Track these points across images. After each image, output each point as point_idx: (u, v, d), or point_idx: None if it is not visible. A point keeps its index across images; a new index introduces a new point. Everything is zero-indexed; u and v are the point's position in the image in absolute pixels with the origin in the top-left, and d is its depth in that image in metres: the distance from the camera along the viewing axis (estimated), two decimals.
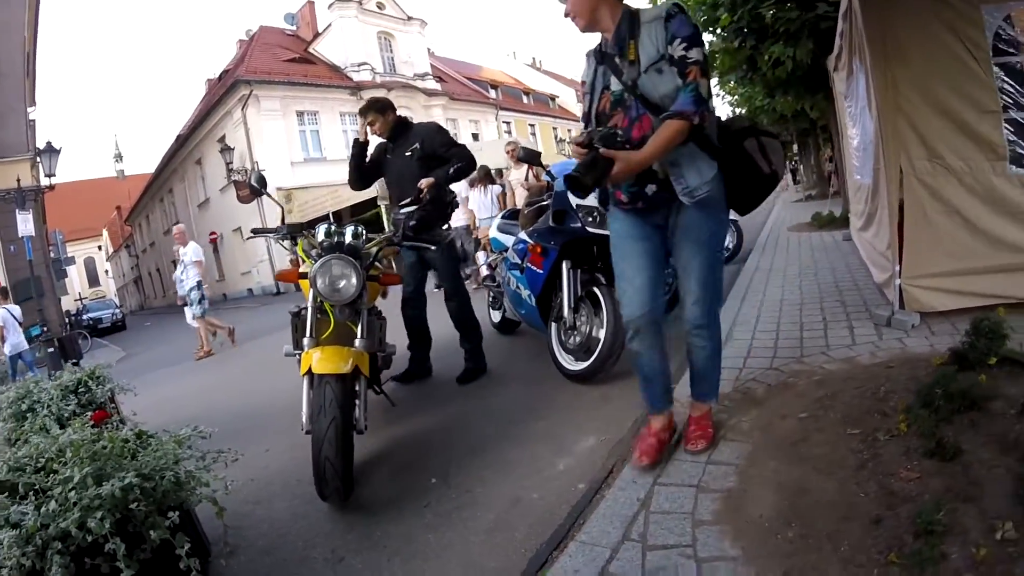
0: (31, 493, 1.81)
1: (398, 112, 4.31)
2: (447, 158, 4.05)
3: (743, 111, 14.64)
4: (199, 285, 9.15)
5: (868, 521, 1.69)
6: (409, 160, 4.05)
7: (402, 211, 3.61)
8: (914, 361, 2.80)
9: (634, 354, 2.40)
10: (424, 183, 3.81)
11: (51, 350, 11.83)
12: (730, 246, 7.70)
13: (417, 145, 4.05)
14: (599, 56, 2.26)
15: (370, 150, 4.29)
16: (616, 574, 1.73)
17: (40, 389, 3.11)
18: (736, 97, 13.01)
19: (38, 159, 15.38)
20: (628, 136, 2.11)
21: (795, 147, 21.51)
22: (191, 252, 9.25)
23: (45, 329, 13.30)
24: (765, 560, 1.65)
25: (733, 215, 8.13)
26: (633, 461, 2.30)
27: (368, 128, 4.13)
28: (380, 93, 26.16)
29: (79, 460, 1.87)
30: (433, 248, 3.85)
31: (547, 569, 1.84)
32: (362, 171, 4.26)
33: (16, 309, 11.11)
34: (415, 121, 4.44)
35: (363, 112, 4.13)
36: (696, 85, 2.00)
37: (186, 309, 9.43)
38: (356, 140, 4.21)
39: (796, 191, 23.45)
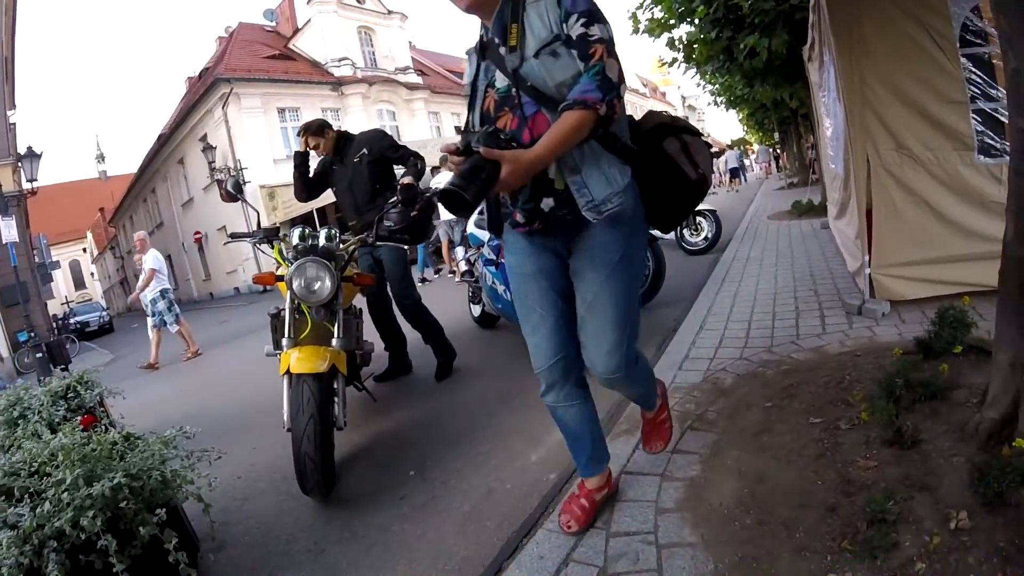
0: (26, 496, 1.90)
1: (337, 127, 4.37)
2: (397, 159, 4.14)
3: (723, 100, 14.79)
4: (163, 293, 8.83)
5: (824, 509, 1.75)
6: (359, 166, 4.08)
7: (392, 211, 3.49)
8: (881, 350, 2.87)
9: (551, 410, 2.03)
10: (404, 182, 3.74)
11: (39, 355, 11.78)
12: (709, 236, 7.79)
13: (364, 151, 4.08)
14: (480, 49, 1.81)
15: (312, 163, 4.31)
16: (579, 560, 1.79)
17: (30, 396, 3.15)
18: (716, 87, 13.09)
19: (19, 164, 15.20)
20: (518, 139, 1.65)
21: (776, 135, 21.66)
22: (150, 260, 8.93)
23: (32, 335, 13.25)
24: (722, 546, 1.71)
25: (711, 204, 8.23)
26: (561, 523, 1.97)
27: (315, 150, 4.16)
28: (361, 88, 26.18)
29: (70, 463, 1.95)
30: (406, 247, 3.89)
31: (516, 556, 1.91)
32: (307, 183, 4.25)
33: None
34: (358, 131, 4.45)
35: (300, 134, 4.17)
36: (602, 66, 1.57)
37: (148, 319, 9.05)
38: (296, 152, 4.20)
39: (778, 179, 23.61)
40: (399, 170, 4.17)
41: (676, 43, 9.00)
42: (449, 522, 2.31)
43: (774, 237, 7.88)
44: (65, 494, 1.82)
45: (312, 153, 4.20)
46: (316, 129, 4.12)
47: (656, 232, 4.66)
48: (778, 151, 29.33)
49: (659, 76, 67.91)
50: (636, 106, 62.12)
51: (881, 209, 3.54)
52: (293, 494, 2.73)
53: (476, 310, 5.66)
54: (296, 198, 4.33)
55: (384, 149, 4.12)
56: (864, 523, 1.63)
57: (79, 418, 2.81)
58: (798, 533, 1.69)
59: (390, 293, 4.27)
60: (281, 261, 3.31)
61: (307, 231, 3.23)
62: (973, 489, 1.64)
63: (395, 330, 4.48)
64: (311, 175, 4.26)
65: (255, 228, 3.57)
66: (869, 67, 3.45)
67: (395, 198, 3.58)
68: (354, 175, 4.10)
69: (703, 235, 7.88)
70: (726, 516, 1.84)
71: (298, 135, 4.18)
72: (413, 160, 4.07)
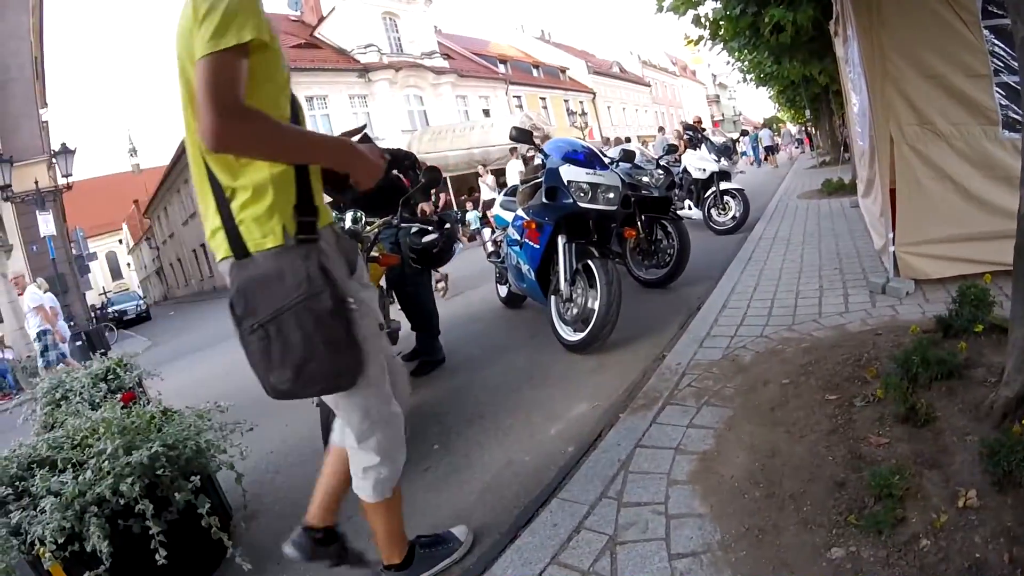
0: (69, 466, 2.04)
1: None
2: (400, 165, 4.18)
3: (753, 78, 14.53)
4: (40, 335, 8.30)
5: (832, 483, 1.78)
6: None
7: (421, 240, 3.83)
8: (902, 328, 2.85)
9: None
10: (427, 209, 4.02)
11: (79, 343, 12.22)
12: (737, 215, 7.73)
13: None
14: None
15: None
16: (591, 528, 1.86)
17: (72, 378, 3.32)
18: (745, 64, 12.86)
19: (54, 160, 15.68)
20: None
21: (808, 112, 21.20)
22: (28, 300, 8.51)
23: (72, 324, 13.72)
24: (729, 518, 1.76)
25: (739, 184, 8.19)
26: None
27: None
28: (388, 74, 26.24)
29: (111, 434, 2.09)
30: (430, 229, 3.97)
31: (530, 524, 1.98)
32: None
33: None
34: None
35: None
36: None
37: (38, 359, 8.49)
38: None
39: (811, 157, 23.15)
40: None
41: (702, 20, 8.87)
42: (469, 492, 2.40)
43: (803, 216, 7.78)
44: (106, 463, 1.96)
45: None
46: None
47: (683, 212, 4.64)
48: (809, 129, 28.81)
49: (689, 54, 66.78)
50: (666, 85, 61.27)
51: (905, 186, 3.49)
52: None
53: (503, 290, 5.74)
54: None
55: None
56: (871, 498, 1.66)
57: (120, 395, 2.97)
58: (805, 506, 1.73)
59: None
60: None
61: (334, 214, 3.33)
62: (983, 467, 1.65)
63: (418, 309, 4.42)
64: None
65: None
66: (890, 40, 3.39)
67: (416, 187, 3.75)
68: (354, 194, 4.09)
69: (731, 214, 7.82)
70: (736, 488, 1.89)
71: None
72: (413, 172, 4.04)
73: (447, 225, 4.13)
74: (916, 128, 3.42)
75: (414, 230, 3.95)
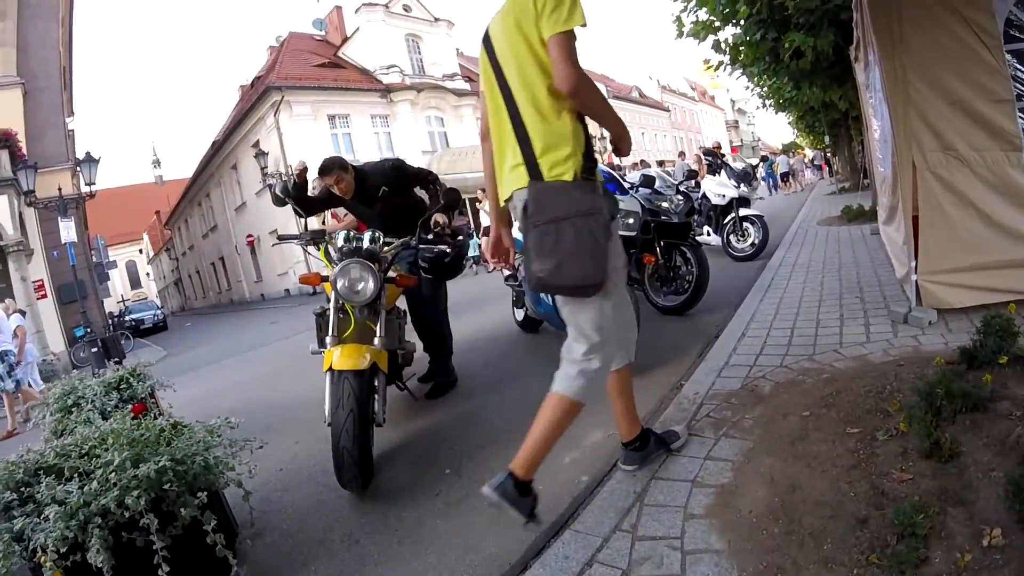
0: (76, 475, 2.03)
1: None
2: (417, 184, 4.19)
3: (772, 103, 14.53)
4: (3, 355, 8.10)
5: (854, 520, 1.72)
6: (386, 203, 4.02)
7: (433, 248, 3.87)
8: (925, 359, 2.78)
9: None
10: (440, 220, 3.86)
11: (95, 350, 12.34)
12: (756, 241, 7.68)
13: (384, 188, 4.00)
14: None
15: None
16: (604, 562, 1.81)
17: (85, 385, 3.34)
18: (764, 89, 12.88)
19: (78, 168, 16.03)
20: None
21: (827, 138, 21.15)
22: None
23: (89, 330, 13.92)
24: (748, 554, 1.71)
25: (758, 210, 8.15)
26: None
27: (337, 186, 3.94)
28: (410, 95, 26.57)
29: (119, 446, 2.09)
30: (449, 250, 3.96)
31: (542, 555, 1.94)
32: (307, 203, 4.08)
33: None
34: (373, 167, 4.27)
35: (322, 174, 3.95)
36: None
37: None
38: (294, 181, 3.95)
39: (830, 183, 23.04)
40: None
41: (722, 45, 8.91)
42: (481, 519, 2.35)
43: (822, 243, 7.71)
44: (112, 474, 1.94)
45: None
46: (341, 164, 3.97)
47: (702, 238, 4.62)
48: (828, 155, 28.85)
49: (708, 79, 67.09)
50: (685, 111, 61.48)
51: (927, 213, 3.43)
52: (331, 487, 2.84)
53: (519, 314, 5.70)
54: (295, 212, 4.15)
55: (402, 182, 4.12)
56: (894, 536, 1.60)
57: (131, 406, 2.97)
58: (826, 544, 1.67)
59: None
60: (327, 262, 3.43)
61: (352, 234, 3.33)
62: (1008, 505, 1.59)
63: (432, 330, 4.38)
64: (316, 195, 4.18)
65: (302, 231, 3.70)
66: (912, 65, 3.36)
67: (435, 209, 3.78)
68: (382, 210, 4.06)
69: (750, 241, 7.77)
70: (754, 524, 1.84)
71: (320, 174, 3.97)
72: (434, 188, 4.10)
73: (459, 237, 4.21)
74: (939, 154, 3.38)
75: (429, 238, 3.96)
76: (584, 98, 1.92)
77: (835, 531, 1.71)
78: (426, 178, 4.21)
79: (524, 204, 1.98)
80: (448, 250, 4.00)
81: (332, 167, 3.92)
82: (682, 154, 20.53)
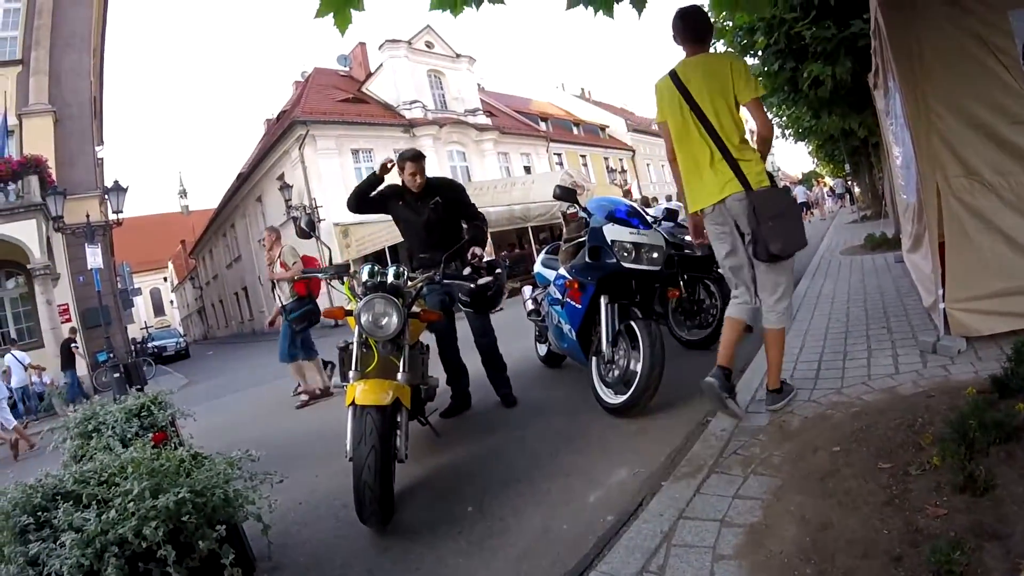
0: (94, 503, 2.02)
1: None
2: (465, 215, 4.44)
3: (791, 133, 14.52)
4: None
5: (888, 559, 1.68)
6: (433, 212, 4.25)
7: (480, 281, 4.00)
8: (956, 390, 2.73)
9: None
10: (479, 252, 4.09)
11: (117, 375, 12.52)
12: None
13: (438, 199, 4.26)
14: None
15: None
16: None
17: (106, 411, 3.35)
18: (783, 119, 12.89)
19: (106, 196, 16.42)
20: None
21: (847, 167, 21.04)
22: None
23: (112, 355, 14.14)
24: None
25: None
26: None
27: (411, 178, 4.26)
28: (432, 130, 26.93)
29: (139, 475, 2.07)
30: (471, 286, 3.98)
31: None
32: (367, 199, 4.39)
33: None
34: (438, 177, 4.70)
35: (412, 159, 4.26)
36: None
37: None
38: (374, 173, 4.36)
39: (852, 211, 22.85)
40: None
41: None
42: (503, 559, 2.31)
43: (847, 272, 7.62)
44: (131, 504, 1.93)
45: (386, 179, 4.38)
46: (423, 158, 4.31)
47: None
48: (848, 183, 28.77)
49: None
50: None
51: (953, 239, 3.38)
52: (351, 522, 2.81)
53: (542, 349, 5.67)
54: (348, 206, 4.44)
55: (457, 202, 4.38)
56: (930, 575, 1.55)
57: (151, 435, 2.97)
58: None
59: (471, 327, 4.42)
60: (351, 296, 3.45)
61: (376, 268, 3.35)
62: None
63: (458, 363, 4.51)
64: (374, 194, 4.41)
65: (327, 264, 3.73)
66: (933, 91, 3.33)
67: (470, 268, 3.99)
68: (428, 219, 4.27)
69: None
70: (785, 565, 1.79)
71: (402, 159, 4.29)
72: (479, 224, 4.36)
73: (498, 270, 4.31)
74: (963, 179, 3.34)
75: (466, 272, 4.03)
76: (770, 140, 3.05)
77: (869, 570, 1.66)
78: (476, 215, 4.47)
79: (749, 205, 2.85)
80: (490, 281, 4.12)
81: (421, 157, 4.30)
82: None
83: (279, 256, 6.90)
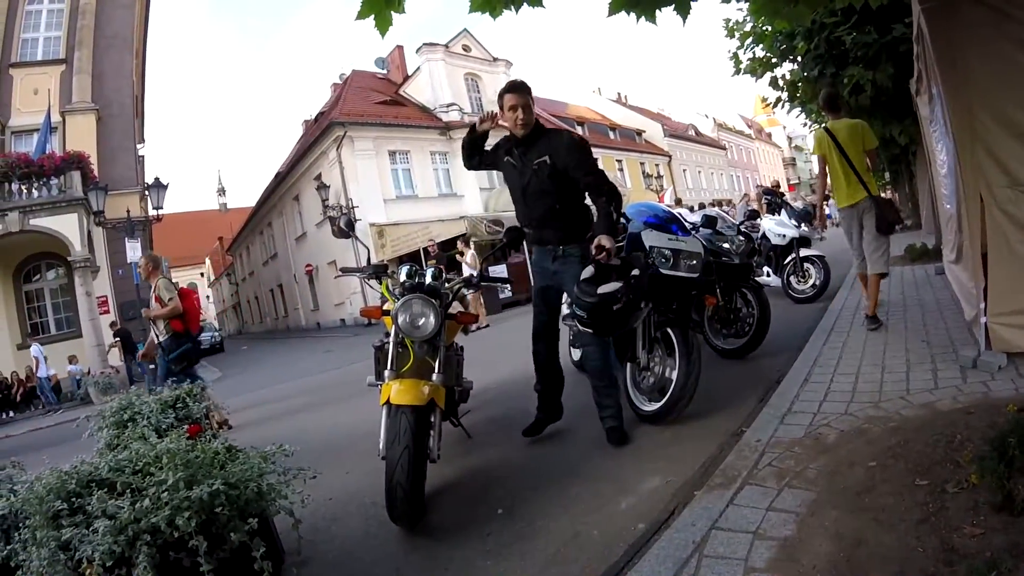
0: (128, 491, 2.07)
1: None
2: (585, 187, 3.43)
3: (813, 129, 14.27)
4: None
5: None
6: (537, 174, 3.45)
7: (602, 289, 3.15)
8: (996, 407, 2.68)
9: None
10: (606, 243, 3.08)
11: (152, 366, 12.85)
12: (817, 283, 7.48)
13: (546, 159, 3.42)
14: None
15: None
16: None
17: (142, 402, 3.44)
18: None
19: (147, 193, 17.05)
20: None
21: (887, 175, 20.54)
22: None
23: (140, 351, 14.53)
24: None
25: (819, 251, 7.96)
26: None
27: (512, 115, 3.47)
28: (464, 131, 26.79)
29: (174, 466, 2.12)
30: (509, 286, 3.97)
31: None
32: (475, 152, 3.82)
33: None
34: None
35: (510, 90, 3.47)
36: None
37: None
38: (473, 126, 3.77)
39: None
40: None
41: (779, 82, 8.85)
42: (532, 563, 2.33)
43: (885, 284, 7.43)
44: (165, 494, 1.98)
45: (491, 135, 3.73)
46: (529, 92, 3.52)
47: (761, 279, 4.50)
48: (889, 192, 28.20)
49: (764, 116, 66.38)
50: (742, 148, 60.82)
51: (996, 251, 3.30)
52: (381, 520, 2.85)
53: (576, 354, 5.65)
54: (464, 163, 3.97)
55: (570, 166, 3.38)
56: None
57: (186, 426, 3.05)
58: None
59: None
60: (388, 296, 3.50)
61: (414, 269, 3.40)
62: None
63: (555, 370, 3.85)
64: (487, 148, 3.84)
65: (365, 264, 3.78)
66: (978, 99, 3.25)
67: (593, 268, 3.17)
68: (530, 183, 3.51)
69: (811, 282, 7.57)
70: None
71: (502, 95, 3.54)
72: (606, 201, 3.29)
73: (635, 272, 3.40)
74: (1007, 190, 3.25)
75: (586, 275, 3.26)
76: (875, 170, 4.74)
77: None
78: (602, 186, 3.36)
79: (873, 206, 4.81)
80: (618, 288, 3.18)
81: (524, 88, 3.50)
82: (747, 195, 20.22)
83: (154, 289, 6.38)
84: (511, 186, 3.69)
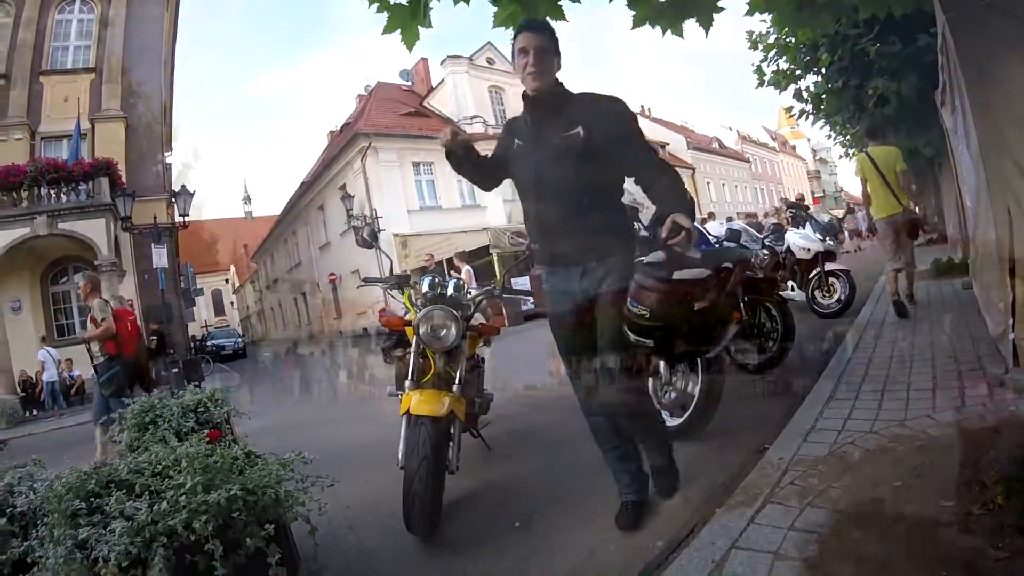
0: (146, 493, 2.09)
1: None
2: (634, 164, 2.44)
3: (855, 151, 14.12)
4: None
5: None
6: (561, 150, 2.42)
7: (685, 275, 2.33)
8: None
9: None
10: (684, 223, 2.07)
11: (175, 370, 13.09)
12: (842, 298, 7.36)
13: (579, 131, 2.39)
14: None
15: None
16: None
17: (163, 405, 3.46)
18: (847, 138, 12.56)
19: (173, 199, 17.50)
20: None
21: (913, 187, 20.25)
22: None
23: (171, 351, 14.76)
24: None
25: (844, 265, 7.85)
26: None
27: (521, 59, 2.44)
28: (492, 144, 26.98)
29: (192, 470, 2.13)
30: (531, 299, 3.98)
31: None
32: (482, 168, 2.90)
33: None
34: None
35: (526, 28, 2.47)
36: None
37: None
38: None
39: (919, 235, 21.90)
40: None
41: (803, 94, 8.80)
42: None
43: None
44: (183, 497, 1.99)
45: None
46: (535, 26, 2.52)
47: (785, 293, 4.47)
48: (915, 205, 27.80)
49: (788, 129, 65.76)
50: (765, 161, 60.29)
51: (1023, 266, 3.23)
52: (398, 530, 2.83)
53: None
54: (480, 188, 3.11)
55: (619, 138, 2.40)
56: None
57: (207, 431, 3.07)
58: None
59: None
60: (410, 307, 3.52)
61: (437, 280, 3.42)
62: None
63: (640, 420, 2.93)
64: (484, 157, 2.88)
65: (388, 274, 3.81)
66: (1004, 110, 3.19)
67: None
68: (545, 167, 2.48)
69: (836, 297, 7.43)
70: None
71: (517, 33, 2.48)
72: (669, 180, 2.31)
73: (726, 265, 2.96)
74: None
75: (652, 259, 2.40)
76: (907, 187, 6.07)
77: None
78: (654, 161, 2.44)
79: (906, 216, 5.97)
80: (706, 275, 2.41)
81: (542, 26, 2.52)
82: (777, 210, 20.00)
83: (90, 310, 6.11)
84: (519, 179, 2.67)
